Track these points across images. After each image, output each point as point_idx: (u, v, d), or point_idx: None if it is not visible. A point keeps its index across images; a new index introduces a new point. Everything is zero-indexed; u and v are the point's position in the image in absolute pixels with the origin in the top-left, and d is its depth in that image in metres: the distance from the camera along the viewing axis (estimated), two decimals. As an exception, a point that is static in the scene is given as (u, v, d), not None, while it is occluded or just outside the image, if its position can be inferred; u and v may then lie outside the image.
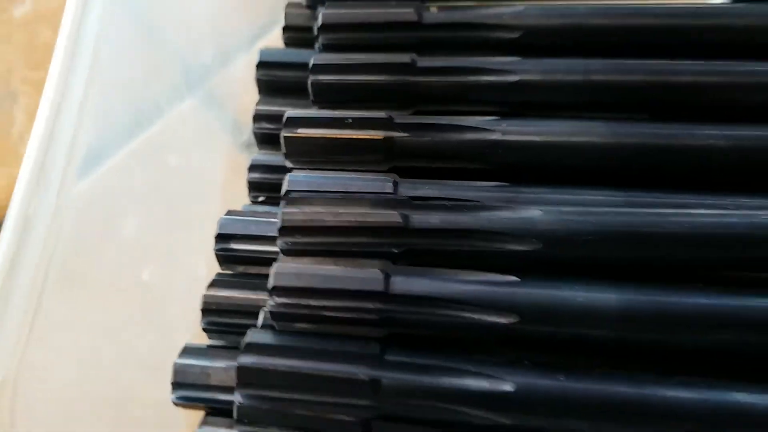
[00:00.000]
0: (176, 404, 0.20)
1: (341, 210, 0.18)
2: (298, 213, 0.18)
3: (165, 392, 0.20)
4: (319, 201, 0.18)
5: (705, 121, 0.19)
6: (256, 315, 0.19)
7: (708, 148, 0.19)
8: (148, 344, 0.21)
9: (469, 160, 0.20)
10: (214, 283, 0.21)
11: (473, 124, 0.20)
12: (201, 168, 0.27)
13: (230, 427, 0.19)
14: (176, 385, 0.20)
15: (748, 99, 0.20)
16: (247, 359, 0.17)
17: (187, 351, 0.20)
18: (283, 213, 0.18)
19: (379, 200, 0.18)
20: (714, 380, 0.16)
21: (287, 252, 0.18)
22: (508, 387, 0.16)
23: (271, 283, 0.17)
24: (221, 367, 0.20)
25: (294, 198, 0.18)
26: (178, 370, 0.20)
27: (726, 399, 0.16)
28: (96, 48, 0.24)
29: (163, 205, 0.25)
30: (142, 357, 0.22)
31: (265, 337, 0.17)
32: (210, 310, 0.21)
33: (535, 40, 0.21)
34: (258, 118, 0.25)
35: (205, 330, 0.21)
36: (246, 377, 0.17)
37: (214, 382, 0.20)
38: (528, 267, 0.17)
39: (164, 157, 0.27)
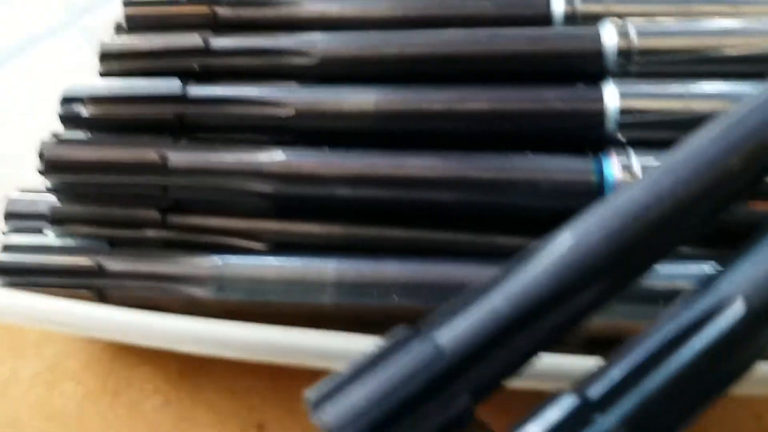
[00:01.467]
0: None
1: (152, 37, 0.21)
2: (116, 43, 0.21)
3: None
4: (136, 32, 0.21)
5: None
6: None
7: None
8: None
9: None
10: (53, 137, 0.23)
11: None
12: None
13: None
14: (8, 216, 0.21)
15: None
16: (54, 149, 0.19)
17: (24, 190, 0.22)
18: (102, 43, 0.21)
19: (189, 24, 0.21)
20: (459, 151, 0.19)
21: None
22: (280, 157, 0.18)
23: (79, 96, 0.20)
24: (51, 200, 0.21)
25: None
26: (9, 202, 0.22)
27: (473, 163, 0.18)
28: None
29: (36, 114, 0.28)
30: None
31: (74, 135, 0.20)
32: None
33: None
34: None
35: (41, 173, 0.23)
36: (51, 163, 0.19)
37: (42, 210, 0.21)
38: (309, 77, 0.20)
39: (36, 80, 0.30)
